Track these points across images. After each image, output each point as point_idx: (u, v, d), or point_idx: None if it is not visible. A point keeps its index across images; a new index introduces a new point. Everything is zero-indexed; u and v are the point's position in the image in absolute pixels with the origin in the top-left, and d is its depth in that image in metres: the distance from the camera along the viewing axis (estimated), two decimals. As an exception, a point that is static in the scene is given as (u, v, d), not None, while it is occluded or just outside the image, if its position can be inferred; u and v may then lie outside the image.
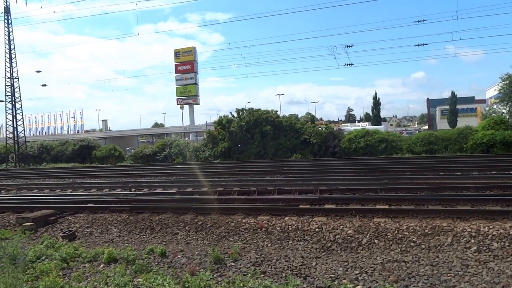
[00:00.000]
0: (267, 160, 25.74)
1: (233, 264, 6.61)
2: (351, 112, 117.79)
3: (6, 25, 34.41)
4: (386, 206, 9.04)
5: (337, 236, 7.66)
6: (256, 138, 28.04)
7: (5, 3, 33.98)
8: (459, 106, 65.45)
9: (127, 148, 40.19)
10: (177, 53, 58.64)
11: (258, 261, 6.71)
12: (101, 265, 6.83)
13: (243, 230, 8.40)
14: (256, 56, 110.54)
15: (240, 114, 29.64)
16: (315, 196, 10.46)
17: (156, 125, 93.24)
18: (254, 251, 7.33)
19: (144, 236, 8.70)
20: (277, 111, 30.64)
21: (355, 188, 11.63)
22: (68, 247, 7.60)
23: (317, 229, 7.99)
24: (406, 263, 6.31)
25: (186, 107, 62.37)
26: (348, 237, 7.58)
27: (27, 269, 6.44)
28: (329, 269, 6.31)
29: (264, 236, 8.03)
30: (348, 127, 45.04)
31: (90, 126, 74.25)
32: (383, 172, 15.65)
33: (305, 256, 6.97)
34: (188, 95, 60.18)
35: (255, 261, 6.71)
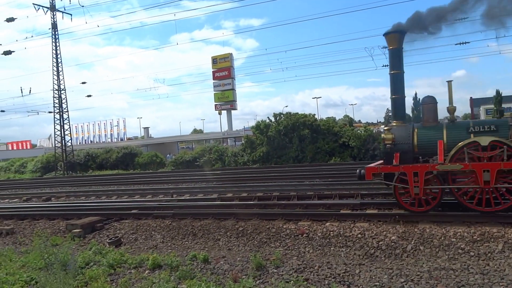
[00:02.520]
0: (306, 164, 25.55)
1: (275, 270, 6.60)
2: (389, 114, 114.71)
3: (53, 40, 36.30)
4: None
5: (380, 243, 7.46)
6: (294, 142, 27.93)
7: (52, 19, 35.88)
8: (504, 105, 62.07)
9: (168, 155, 41.14)
10: (214, 60, 59.69)
11: (300, 267, 6.66)
12: (146, 271, 7.01)
13: (284, 236, 8.37)
14: (293, 60, 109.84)
15: (278, 118, 29.67)
16: (356, 201, 10.25)
17: (195, 131, 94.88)
18: (295, 258, 7.28)
19: (186, 242, 8.85)
20: (314, 114, 30.41)
21: (398, 192, 11.27)
22: (114, 253, 7.86)
23: (359, 235, 7.82)
24: (455, 271, 6.05)
25: (224, 112, 63.18)
26: (392, 244, 7.36)
27: (77, 275, 6.71)
28: (373, 277, 6.15)
29: (306, 242, 7.96)
30: (388, 129, 43.84)
31: (132, 134, 76.63)
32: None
33: (348, 263, 6.84)
34: (225, 100, 61.02)
35: (297, 267, 6.66)
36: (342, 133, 27.49)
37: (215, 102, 62.24)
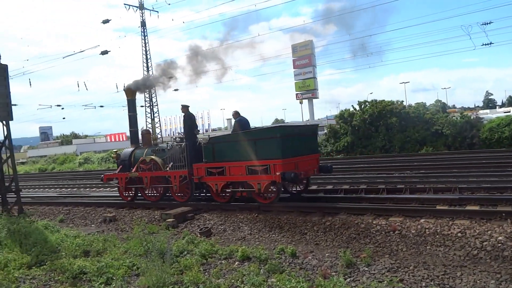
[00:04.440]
0: (394, 155, 24.36)
1: (366, 269, 6.33)
2: (490, 97, 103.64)
3: (143, 37, 38.80)
4: (547, 209, 7.72)
5: (484, 243, 6.78)
6: (380, 131, 26.77)
7: (141, 18, 38.32)
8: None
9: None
10: (294, 48, 59.11)
11: (394, 267, 6.31)
12: (236, 263, 7.17)
13: (374, 232, 8.01)
14: (378, 45, 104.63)
15: (363, 106, 28.62)
16: (454, 196, 9.45)
17: (277, 121, 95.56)
18: (388, 256, 6.92)
19: (273, 235, 8.90)
20: (402, 101, 28.88)
21: (503, 187, 10.20)
22: (205, 243, 8.16)
23: (459, 234, 7.19)
24: None
25: (305, 101, 62.67)
26: (499, 245, 6.64)
27: (173, 263, 7.07)
28: (477, 281, 5.61)
29: (398, 240, 7.53)
30: (488, 115, 39.95)
31: (216, 125, 79.67)
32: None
33: (447, 264, 6.33)
34: (307, 89, 60.37)
35: (390, 267, 6.32)
36: (434, 120, 25.68)
37: (296, 91, 61.92)
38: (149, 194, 13.26)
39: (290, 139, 10.24)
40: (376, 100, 28.53)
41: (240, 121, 11.52)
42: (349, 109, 29.30)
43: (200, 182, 11.37)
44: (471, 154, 20.06)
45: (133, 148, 13.82)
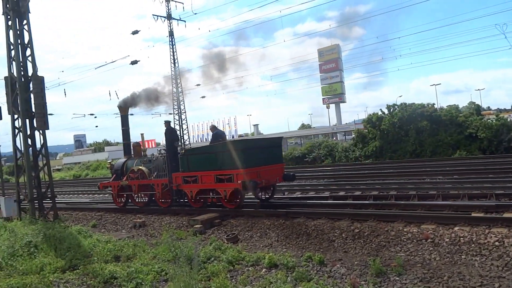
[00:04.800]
0: (425, 159, 23.71)
1: (397, 278, 6.14)
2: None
3: (171, 46, 39.49)
4: None
5: (524, 253, 6.46)
6: (410, 135, 26.16)
7: (169, 27, 39.02)
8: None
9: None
10: (320, 52, 58.86)
11: (426, 277, 6.09)
12: (263, 270, 7.12)
13: (405, 240, 7.79)
14: (407, 47, 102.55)
15: (391, 110, 28.07)
16: (491, 203, 9.08)
17: (303, 126, 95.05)
18: (420, 265, 6.70)
19: (300, 242, 8.80)
20: (433, 104, 28.15)
21: (543, 193, 9.73)
22: (232, 250, 8.16)
23: (496, 243, 6.88)
24: None
25: (332, 106, 62.18)
26: (540, 255, 6.31)
27: (200, 269, 7.09)
28: (517, 293, 5.34)
29: (431, 248, 7.28)
30: (526, 116, 38.32)
31: (243, 131, 79.85)
32: None
33: (484, 274, 6.05)
34: (334, 93, 59.96)
35: (422, 277, 6.11)
36: (468, 123, 24.86)
37: (322, 95, 61.58)
38: (138, 200, 14.52)
39: (252, 151, 11.48)
40: (405, 103, 27.93)
41: (216, 135, 13.16)
42: (377, 113, 28.81)
43: (178, 189, 12.62)
44: (508, 158, 19.26)
45: (126, 159, 15.15)
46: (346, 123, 59.64)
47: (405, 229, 8.10)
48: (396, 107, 28.07)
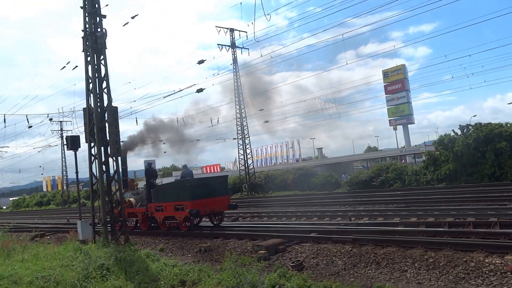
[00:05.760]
0: (506, 183, 21.77)
1: (480, 315, 5.56)
2: None
3: (234, 73, 40.67)
4: None
5: None
6: (488, 157, 24.26)
7: (233, 55, 40.33)
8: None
9: (343, 175, 40.77)
10: (385, 73, 57.55)
11: (515, 315, 5.45)
12: (330, 300, 6.82)
13: (486, 272, 7.08)
14: (479, 64, 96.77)
15: (465, 131, 26.31)
16: None
17: (369, 148, 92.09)
18: (506, 301, 6.03)
19: (369, 271, 8.34)
20: (512, 123, 25.88)
21: None
22: (297, 278, 7.93)
23: None
24: None
25: (399, 127, 59.95)
26: None
27: (265, 297, 6.95)
28: None
29: (518, 282, 6.54)
30: None
31: (306, 155, 78.84)
32: None
33: None
34: (401, 115, 57.96)
35: (510, 315, 5.48)
36: (555, 143, 22.57)
37: (388, 117, 59.70)
38: (128, 224, 16.81)
39: (198, 187, 14.78)
40: (480, 123, 26.07)
41: (183, 173, 16.52)
42: (450, 134, 27.16)
43: (152, 216, 15.87)
44: None
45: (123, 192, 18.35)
46: (416, 145, 56.84)
47: (486, 260, 7.39)
48: (470, 127, 26.30)
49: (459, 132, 26.68)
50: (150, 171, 17.01)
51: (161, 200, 15.38)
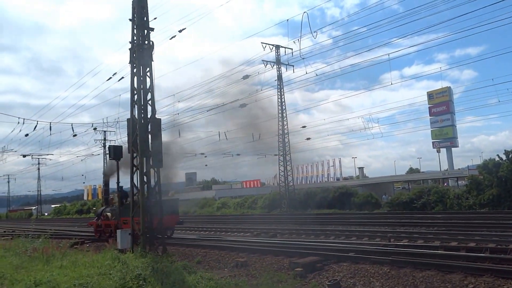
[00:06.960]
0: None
1: None
2: None
3: (279, 90, 41.07)
4: None
5: None
6: (533, 183, 23.16)
7: (277, 72, 40.74)
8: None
9: (383, 195, 39.88)
10: (430, 95, 56.59)
11: None
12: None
13: (531, 301, 6.90)
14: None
15: (510, 156, 25.42)
16: None
17: (411, 170, 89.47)
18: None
19: (407, 294, 8.29)
20: (562, 148, 24.65)
21: None
22: (334, 296, 7.99)
23: None
24: None
25: (443, 150, 58.27)
26: None
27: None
28: None
29: None
30: None
31: (347, 174, 77.49)
32: None
33: None
34: (444, 137, 56.50)
35: None
36: None
37: (432, 139, 58.30)
38: (106, 234, 20.47)
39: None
40: (527, 148, 25.03)
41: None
42: (494, 159, 26.30)
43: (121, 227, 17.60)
44: None
45: (104, 207, 22.64)
46: (459, 169, 54.85)
47: (531, 289, 7.20)
48: (515, 152, 25.33)
49: (504, 157, 25.83)
50: (122, 192, 19.69)
51: (127, 215, 16.61)
